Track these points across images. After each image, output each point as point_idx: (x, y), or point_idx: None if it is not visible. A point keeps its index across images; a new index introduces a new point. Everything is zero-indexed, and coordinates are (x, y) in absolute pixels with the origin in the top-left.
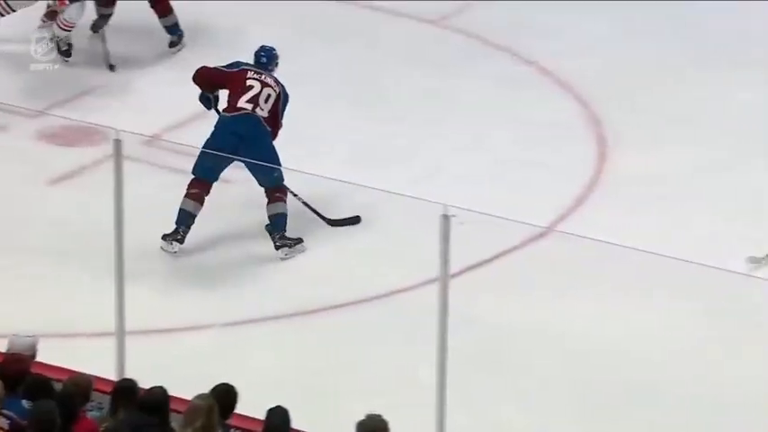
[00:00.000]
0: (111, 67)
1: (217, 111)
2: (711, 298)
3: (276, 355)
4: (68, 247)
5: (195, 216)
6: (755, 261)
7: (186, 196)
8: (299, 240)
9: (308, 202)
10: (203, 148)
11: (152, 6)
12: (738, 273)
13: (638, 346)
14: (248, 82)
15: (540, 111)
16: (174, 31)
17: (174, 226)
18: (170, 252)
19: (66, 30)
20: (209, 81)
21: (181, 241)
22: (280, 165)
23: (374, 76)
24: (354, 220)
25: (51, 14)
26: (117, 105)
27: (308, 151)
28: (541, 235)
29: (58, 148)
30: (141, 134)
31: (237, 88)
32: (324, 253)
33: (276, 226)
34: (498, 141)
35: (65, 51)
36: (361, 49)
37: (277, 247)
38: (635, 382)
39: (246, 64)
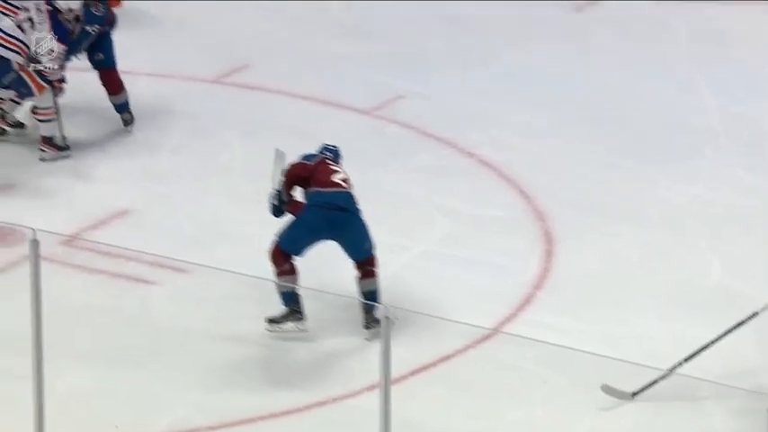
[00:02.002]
0: (66, 148)
1: (291, 212)
2: (660, 399)
3: None
4: None
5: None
6: (610, 391)
7: (280, 274)
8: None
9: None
10: (297, 223)
11: (103, 83)
12: (685, 375)
13: None
14: (331, 166)
15: (481, 205)
16: (124, 109)
17: (286, 308)
18: (303, 330)
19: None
20: (297, 176)
21: (303, 318)
22: (371, 238)
23: None
24: None
25: None
26: (31, 203)
27: (234, 251)
28: (486, 337)
29: None
30: (59, 233)
31: (324, 172)
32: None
33: (372, 302)
34: (438, 236)
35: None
36: (292, 140)
37: (367, 327)
38: None
39: (319, 155)
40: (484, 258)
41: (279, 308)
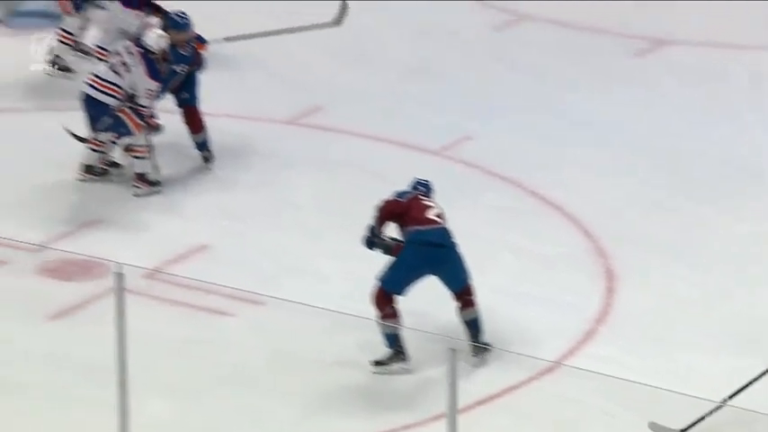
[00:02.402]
0: (157, 183)
1: (392, 239)
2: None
3: None
4: (69, 383)
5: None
6: (657, 428)
7: (384, 317)
8: (488, 347)
9: None
10: (398, 264)
11: (186, 122)
12: (739, 408)
13: None
14: (425, 202)
15: (545, 243)
16: (204, 147)
17: (390, 350)
18: (408, 371)
19: (66, 42)
20: (391, 213)
21: (407, 358)
22: (467, 268)
23: (370, 205)
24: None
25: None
26: (118, 237)
27: (307, 284)
28: (549, 369)
29: (59, 283)
30: (142, 267)
31: (419, 208)
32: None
33: (476, 330)
34: (503, 273)
35: (64, 67)
36: (363, 178)
37: (474, 355)
38: None
39: (412, 191)
40: (548, 294)
41: (345, 339)
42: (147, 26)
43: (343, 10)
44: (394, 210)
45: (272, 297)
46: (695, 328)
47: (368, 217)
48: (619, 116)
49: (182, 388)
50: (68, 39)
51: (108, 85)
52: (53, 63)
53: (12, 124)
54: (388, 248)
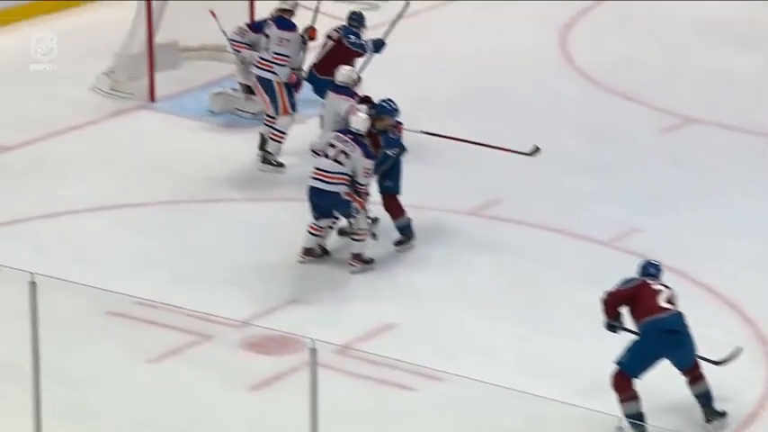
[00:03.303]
0: (371, 261)
1: (626, 330)
2: None
3: None
4: None
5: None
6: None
7: (625, 401)
8: (724, 415)
9: None
10: (637, 350)
11: (386, 208)
12: None
13: None
14: (654, 287)
15: (708, 328)
16: (405, 231)
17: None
18: None
19: (278, 141)
20: (617, 303)
21: None
22: (696, 347)
23: (543, 293)
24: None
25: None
26: (314, 315)
27: (484, 362)
28: None
29: (259, 356)
30: (334, 344)
31: (649, 296)
32: None
33: (708, 400)
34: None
35: (277, 162)
36: (536, 267)
37: (708, 420)
38: None
39: (638, 278)
40: (711, 378)
41: (518, 413)
42: (352, 111)
43: (535, 150)
44: (619, 300)
45: (451, 374)
46: None
47: (541, 301)
48: None
49: None
50: (280, 137)
51: (335, 175)
52: (266, 159)
53: (225, 213)
54: (629, 331)
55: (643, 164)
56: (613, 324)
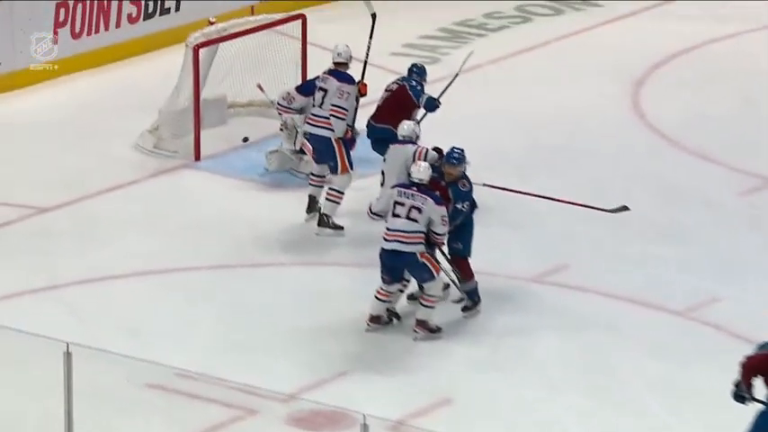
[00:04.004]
0: (438, 330)
1: (757, 400)
2: None
3: None
4: None
5: None
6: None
7: None
8: None
9: None
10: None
11: (451, 265)
12: None
13: None
14: None
15: None
16: (471, 296)
17: None
18: None
19: (336, 201)
20: (755, 369)
21: None
22: None
23: (611, 366)
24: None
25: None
26: (366, 388)
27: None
28: None
29: None
30: (387, 419)
31: None
32: None
33: None
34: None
35: (335, 225)
36: (606, 338)
37: None
38: None
39: None
40: None
41: None
42: (420, 155)
43: (622, 208)
44: (759, 365)
45: None
46: None
47: (610, 374)
48: None
49: None
50: (338, 197)
51: (412, 235)
52: (323, 222)
53: (275, 277)
54: (762, 402)
55: (721, 228)
56: (743, 394)
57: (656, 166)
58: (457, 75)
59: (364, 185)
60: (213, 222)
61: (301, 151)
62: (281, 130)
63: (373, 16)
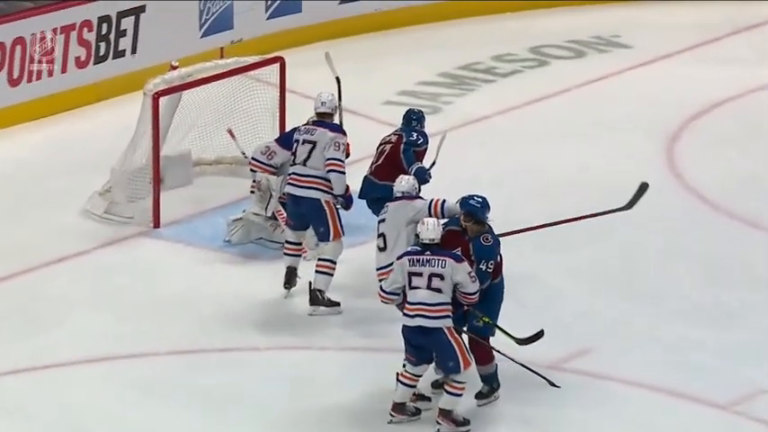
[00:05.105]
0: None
1: None
2: None
3: None
4: None
5: None
6: None
7: None
8: None
9: None
10: None
11: (470, 350)
12: None
13: None
14: None
15: None
16: (490, 381)
17: None
18: None
19: (329, 273)
20: None
21: None
22: None
23: None
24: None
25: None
26: None
27: None
28: None
29: None
30: None
31: None
32: None
33: None
34: None
35: (331, 301)
36: None
37: None
38: None
39: None
40: None
41: None
42: (436, 207)
43: (641, 192)
44: None
45: None
46: None
47: None
48: None
49: None
50: (332, 268)
51: (438, 307)
52: (316, 299)
53: (250, 363)
54: None
55: None
56: None
57: (696, 236)
58: (434, 163)
59: (352, 257)
60: (175, 300)
61: (273, 217)
62: (252, 192)
63: (337, 80)
